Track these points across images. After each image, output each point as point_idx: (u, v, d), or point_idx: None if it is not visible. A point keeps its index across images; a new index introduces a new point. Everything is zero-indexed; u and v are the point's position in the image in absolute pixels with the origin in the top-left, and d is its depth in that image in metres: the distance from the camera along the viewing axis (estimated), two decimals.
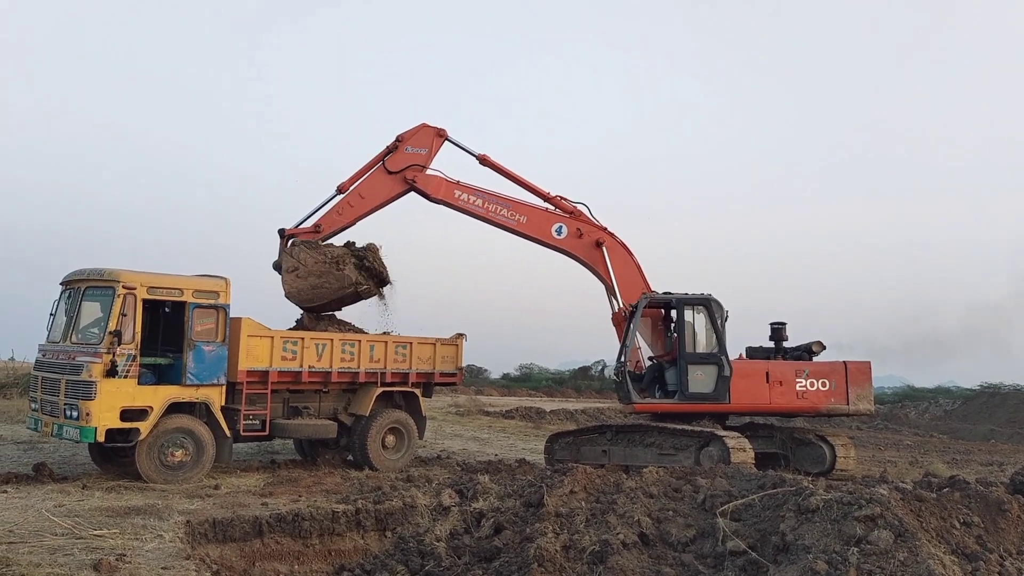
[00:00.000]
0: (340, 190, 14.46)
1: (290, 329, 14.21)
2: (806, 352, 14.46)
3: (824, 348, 14.46)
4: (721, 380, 13.56)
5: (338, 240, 14.74)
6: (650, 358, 14.78)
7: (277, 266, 14.22)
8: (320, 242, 14.22)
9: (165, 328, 12.25)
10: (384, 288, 14.88)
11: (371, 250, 14.55)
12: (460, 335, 15.29)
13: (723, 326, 13.90)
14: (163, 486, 10.83)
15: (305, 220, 14.51)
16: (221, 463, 12.28)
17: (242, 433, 12.52)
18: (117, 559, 6.73)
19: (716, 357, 13.69)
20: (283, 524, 8.18)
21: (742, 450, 12.43)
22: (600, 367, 65.08)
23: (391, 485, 10.62)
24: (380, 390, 13.94)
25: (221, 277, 12.42)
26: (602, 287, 15.12)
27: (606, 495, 7.94)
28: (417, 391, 14.61)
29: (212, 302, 11.98)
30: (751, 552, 6.48)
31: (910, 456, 20.63)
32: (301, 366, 13.06)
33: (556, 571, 6.69)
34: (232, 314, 12.25)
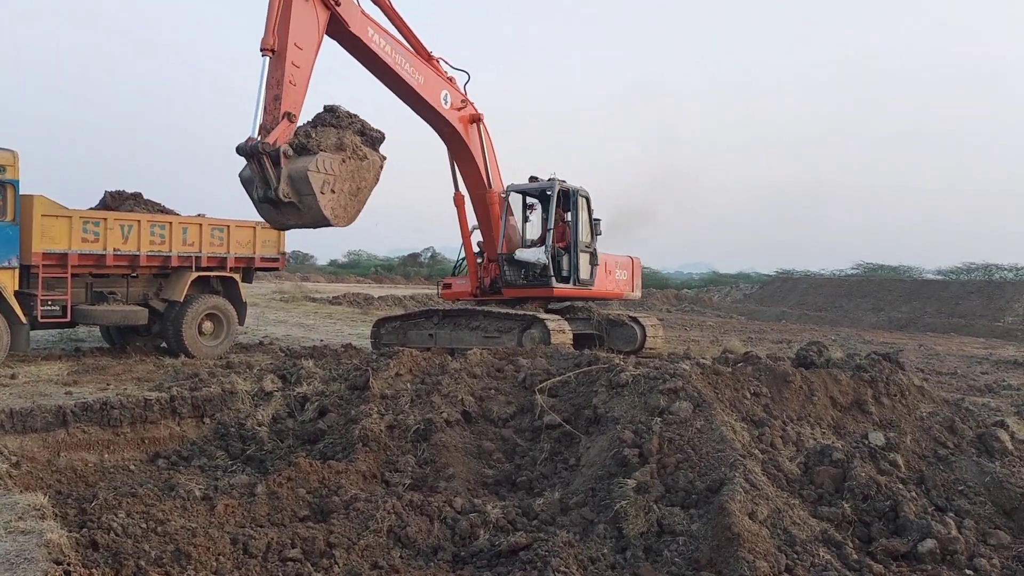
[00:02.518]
0: (268, 49, 10.18)
1: (92, 209, 13.12)
2: None
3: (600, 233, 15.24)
4: (594, 269, 14.73)
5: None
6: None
7: (269, 198, 9.89)
8: (309, 133, 10.42)
9: None
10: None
11: (345, 113, 11.14)
12: None
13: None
14: None
15: (260, 118, 10.17)
16: (17, 351, 11.41)
17: (40, 320, 11.64)
18: None
19: (593, 247, 14.74)
20: (90, 413, 7.74)
21: (561, 332, 12.99)
22: (429, 253, 65.28)
23: (209, 372, 10.26)
24: (195, 275, 13.29)
25: (8, 150, 11.19)
26: (446, 169, 14.46)
27: (431, 376, 8.08)
28: (236, 276, 14.06)
29: None
30: (565, 425, 6.87)
31: (711, 335, 22.38)
32: (105, 249, 12.17)
33: (381, 450, 6.81)
34: (25, 191, 11.14)
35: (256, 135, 9.74)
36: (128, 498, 5.45)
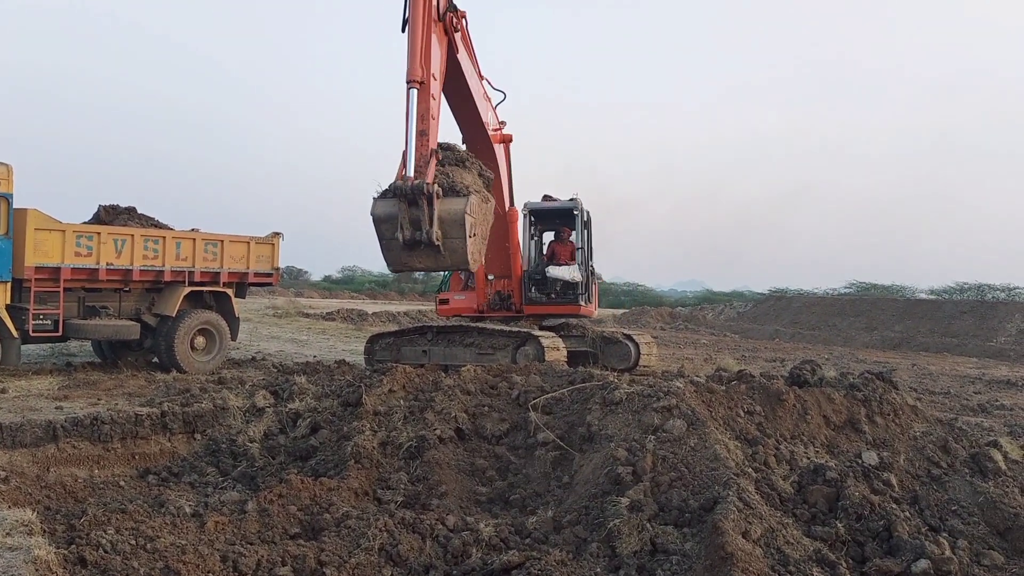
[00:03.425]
0: (416, 81, 9.52)
1: (85, 223, 13.08)
2: None
3: None
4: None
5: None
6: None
7: (418, 240, 9.20)
8: (448, 173, 9.80)
9: None
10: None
11: (465, 151, 10.65)
12: (276, 234, 14.73)
13: None
14: None
15: (412, 155, 9.42)
16: (8, 366, 11.34)
17: (32, 334, 11.57)
18: None
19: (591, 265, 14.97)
20: (80, 428, 7.69)
21: (556, 349, 12.98)
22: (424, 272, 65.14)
23: (201, 387, 10.22)
24: (188, 290, 13.24)
25: (2, 163, 11.16)
26: None
27: (424, 393, 8.04)
28: (229, 291, 14.02)
29: None
30: (559, 442, 6.84)
31: (705, 353, 22.38)
32: (98, 263, 12.12)
33: (373, 467, 6.77)
34: (18, 205, 11.13)
35: (411, 173, 9.16)
36: (117, 514, 5.40)
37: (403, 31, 9.92)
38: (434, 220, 9.11)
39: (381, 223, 9.48)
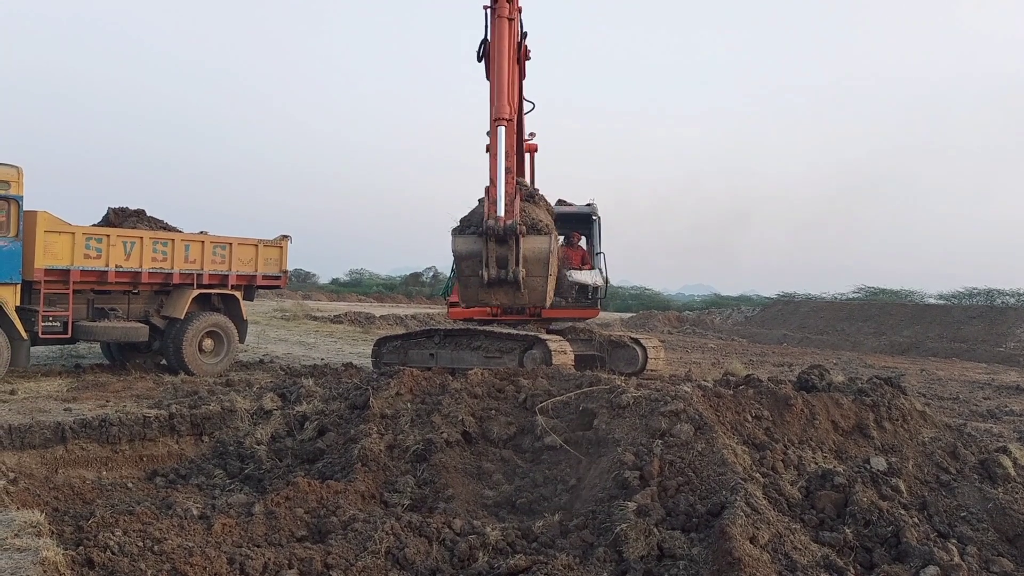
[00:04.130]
0: (505, 119, 9.32)
1: (95, 225, 13.15)
2: None
3: None
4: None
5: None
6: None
7: (503, 279, 9.17)
8: (526, 210, 9.51)
9: None
10: None
11: (534, 188, 10.32)
12: (285, 237, 14.77)
13: None
14: None
15: (502, 194, 9.12)
16: (17, 367, 11.40)
17: (41, 336, 11.64)
18: None
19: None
20: (88, 430, 7.72)
21: (563, 352, 12.95)
22: (431, 273, 65.29)
23: (209, 389, 10.26)
24: (196, 292, 13.29)
25: (12, 166, 11.24)
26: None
27: (431, 396, 8.05)
28: (237, 294, 14.06)
29: (2, 193, 10.87)
30: (566, 446, 6.83)
31: (713, 358, 22.32)
32: (107, 265, 12.19)
33: (380, 470, 6.77)
34: (29, 207, 11.19)
35: (501, 213, 8.93)
36: (125, 516, 5.42)
37: (479, 61, 9.74)
38: (520, 259, 8.89)
39: (463, 260, 9.26)
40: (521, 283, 8.98)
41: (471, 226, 9.13)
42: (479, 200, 10.13)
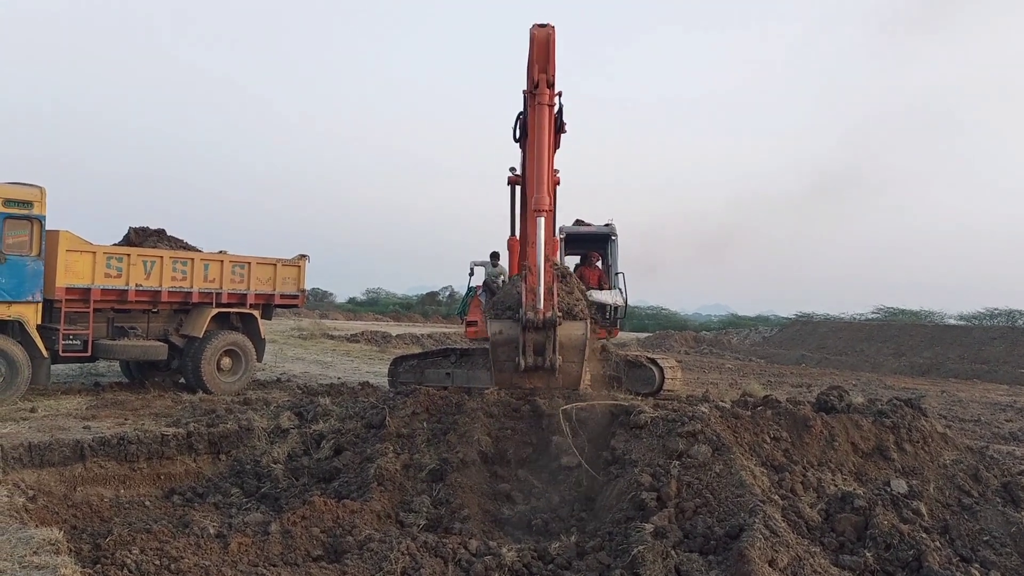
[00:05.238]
0: (545, 210, 8.99)
1: (116, 244, 13.29)
2: None
3: None
4: None
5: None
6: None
7: (540, 367, 8.89)
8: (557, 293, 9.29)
9: None
10: None
11: (565, 267, 10.19)
12: (303, 256, 14.86)
13: None
14: None
15: (542, 285, 8.83)
16: (38, 385, 11.48)
17: (62, 354, 11.74)
18: None
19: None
20: (107, 448, 7.77)
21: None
22: (447, 292, 65.44)
23: (226, 408, 10.29)
24: (215, 311, 13.37)
25: (36, 186, 11.40)
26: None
27: (447, 416, 8.04)
28: (256, 313, 14.13)
29: (26, 212, 11.00)
30: (585, 465, 6.80)
31: (730, 378, 22.16)
32: (127, 284, 12.29)
33: (396, 489, 6.76)
34: (51, 227, 11.33)
35: (541, 306, 8.68)
36: (142, 534, 5.44)
37: (515, 140, 9.70)
38: (556, 347, 8.72)
39: (499, 347, 9.05)
40: (557, 369, 8.83)
41: (507, 309, 9.03)
42: (510, 280, 9.76)
